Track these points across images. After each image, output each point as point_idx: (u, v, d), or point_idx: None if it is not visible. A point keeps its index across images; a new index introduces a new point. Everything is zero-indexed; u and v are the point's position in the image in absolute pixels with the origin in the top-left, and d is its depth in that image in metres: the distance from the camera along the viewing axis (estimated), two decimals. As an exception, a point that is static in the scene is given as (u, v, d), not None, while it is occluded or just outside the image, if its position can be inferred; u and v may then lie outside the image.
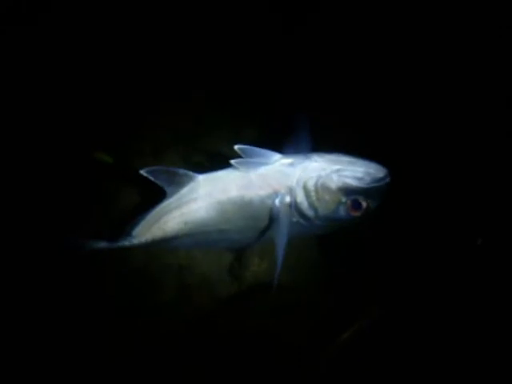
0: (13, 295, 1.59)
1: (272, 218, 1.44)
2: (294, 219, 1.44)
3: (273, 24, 1.78)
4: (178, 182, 1.49)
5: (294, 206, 1.42)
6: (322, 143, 1.48)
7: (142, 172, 1.46)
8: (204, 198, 1.49)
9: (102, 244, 1.54)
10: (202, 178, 1.50)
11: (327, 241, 1.63)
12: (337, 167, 1.38)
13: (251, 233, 1.52)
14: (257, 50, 1.79)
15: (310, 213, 1.42)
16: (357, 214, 1.39)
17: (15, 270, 1.61)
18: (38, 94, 1.72)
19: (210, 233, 1.52)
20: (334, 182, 1.37)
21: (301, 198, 1.41)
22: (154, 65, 1.77)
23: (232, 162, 1.43)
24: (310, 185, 1.39)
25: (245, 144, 1.42)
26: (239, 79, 1.77)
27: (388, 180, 1.37)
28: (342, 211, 1.40)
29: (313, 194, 1.39)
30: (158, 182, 1.49)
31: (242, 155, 1.43)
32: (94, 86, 1.74)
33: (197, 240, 1.54)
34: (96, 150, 1.71)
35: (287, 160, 1.44)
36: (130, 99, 1.75)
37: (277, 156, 1.45)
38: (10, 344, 1.56)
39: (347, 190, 1.37)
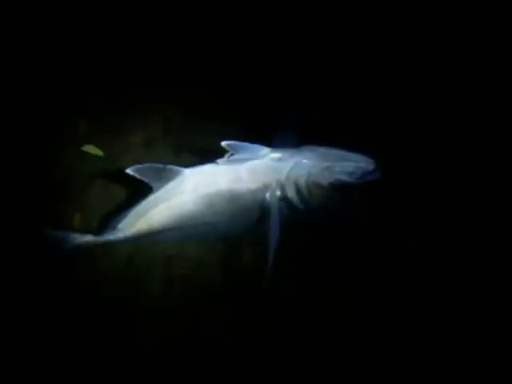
0: None
1: (263, 212, 1.45)
2: (284, 211, 1.45)
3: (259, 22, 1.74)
4: (165, 178, 1.48)
5: (284, 201, 1.43)
6: (309, 135, 1.47)
7: (128, 171, 1.44)
8: (191, 192, 1.48)
9: (87, 238, 1.53)
10: (188, 171, 1.48)
11: (320, 231, 1.64)
12: (327, 163, 1.38)
13: (240, 226, 1.52)
14: (248, 47, 1.76)
15: (300, 206, 1.43)
16: (347, 207, 1.42)
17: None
18: (26, 85, 1.67)
19: (197, 226, 1.51)
20: (326, 178, 1.38)
21: (291, 193, 1.42)
22: (146, 57, 1.73)
23: (219, 161, 1.44)
24: (301, 182, 1.40)
25: (234, 138, 1.40)
26: (231, 74, 1.75)
27: (378, 173, 1.39)
28: (333, 204, 1.42)
29: (304, 190, 1.40)
30: (145, 180, 1.47)
31: (230, 150, 1.42)
32: (85, 76, 1.70)
33: (184, 233, 1.54)
34: (85, 142, 1.66)
35: (276, 154, 1.43)
36: (121, 91, 1.70)
37: (265, 150, 1.44)
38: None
39: (338, 186, 1.38)
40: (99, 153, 1.66)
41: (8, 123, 1.64)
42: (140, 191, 1.51)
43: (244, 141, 1.43)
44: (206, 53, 1.74)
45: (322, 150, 1.42)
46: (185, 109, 1.70)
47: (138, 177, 1.45)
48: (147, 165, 1.46)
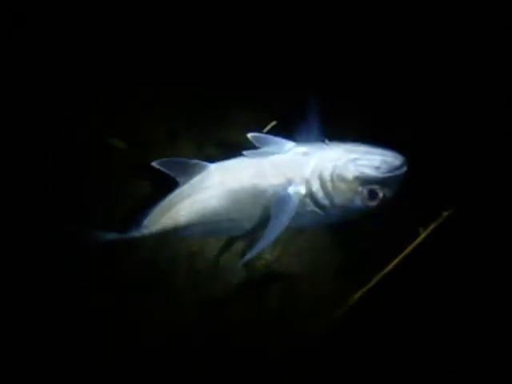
0: (18, 289, 1.57)
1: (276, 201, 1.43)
2: (309, 208, 1.43)
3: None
4: (190, 172, 1.48)
5: (309, 196, 1.42)
6: (334, 130, 1.46)
7: (154, 164, 1.45)
8: (216, 187, 1.47)
9: (112, 235, 1.53)
10: (213, 166, 1.48)
11: (341, 229, 1.62)
12: (353, 156, 1.37)
13: (264, 222, 1.51)
14: (273, 38, 1.76)
15: (325, 202, 1.41)
16: (373, 203, 1.39)
17: (21, 262, 1.58)
18: (49, 76, 1.69)
19: (221, 222, 1.51)
20: (351, 171, 1.36)
21: (316, 187, 1.40)
22: (169, 50, 1.75)
23: (244, 152, 1.43)
24: (326, 175, 1.38)
25: (258, 131, 1.41)
26: (253, 65, 1.76)
27: (405, 169, 1.37)
28: (359, 200, 1.39)
29: (328, 183, 1.38)
30: (170, 173, 1.48)
31: (255, 143, 1.41)
32: (110, 69, 1.72)
33: (208, 229, 1.53)
34: (109, 135, 1.67)
35: (301, 149, 1.42)
36: (144, 85, 1.73)
37: (290, 144, 1.43)
38: (13, 339, 1.56)
39: (364, 180, 1.36)
40: (123, 146, 1.67)
41: (30, 116, 1.66)
42: (163, 184, 1.51)
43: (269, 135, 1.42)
44: (230, 45, 1.75)
45: (349, 145, 1.40)
46: (208, 102, 1.72)
47: (164, 170, 1.46)
48: (172, 158, 1.47)
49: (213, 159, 1.49)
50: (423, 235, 1.58)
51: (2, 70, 1.66)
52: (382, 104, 1.72)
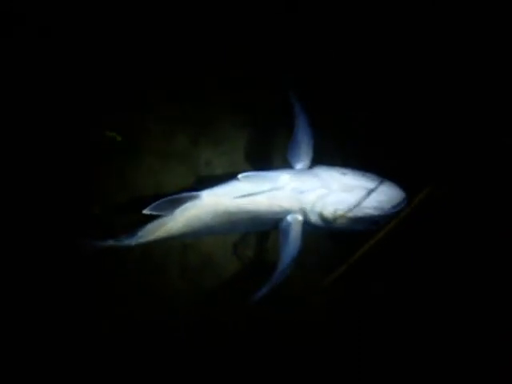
0: (16, 294, 1.60)
1: (281, 230, 1.43)
2: (308, 229, 1.44)
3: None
4: (182, 204, 1.43)
5: (308, 222, 1.41)
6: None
7: (146, 211, 1.39)
8: (210, 206, 1.44)
9: (108, 242, 1.54)
10: (205, 193, 1.44)
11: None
12: (353, 199, 1.32)
13: (260, 229, 1.58)
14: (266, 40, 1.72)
15: (325, 226, 1.41)
16: (374, 227, 1.41)
17: (19, 269, 1.60)
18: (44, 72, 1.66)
19: (215, 232, 1.55)
20: (354, 213, 1.34)
21: (315, 219, 1.38)
22: (165, 45, 1.70)
23: (236, 197, 1.40)
24: (327, 213, 1.35)
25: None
26: (248, 66, 1.71)
27: (405, 202, 1.35)
28: (360, 226, 1.40)
29: (330, 219, 1.36)
30: (163, 214, 1.43)
31: (248, 183, 1.38)
32: (103, 66, 1.68)
33: (202, 235, 1.59)
34: (106, 129, 1.65)
35: (297, 183, 1.37)
36: (140, 80, 1.69)
37: (284, 177, 1.37)
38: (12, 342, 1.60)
39: (367, 218, 1.35)
40: (119, 138, 1.65)
41: (25, 117, 1.64)
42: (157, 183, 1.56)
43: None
44: (229, 49, 1.69)
45: (346, 179, 1.34)
46: (201, 101, 1.68)
47: (156, 213, 1.41)
48: (163, 200, 1.40)
49: (205, 154, 1.58)
50: (404, 213, 1.60)
51: (6, 71, 1.64)
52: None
